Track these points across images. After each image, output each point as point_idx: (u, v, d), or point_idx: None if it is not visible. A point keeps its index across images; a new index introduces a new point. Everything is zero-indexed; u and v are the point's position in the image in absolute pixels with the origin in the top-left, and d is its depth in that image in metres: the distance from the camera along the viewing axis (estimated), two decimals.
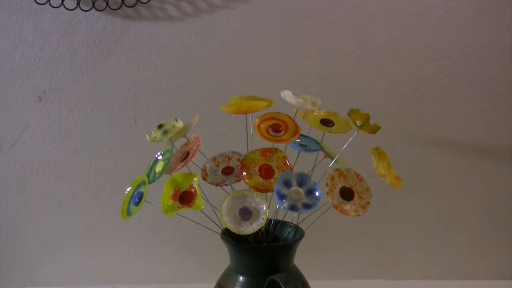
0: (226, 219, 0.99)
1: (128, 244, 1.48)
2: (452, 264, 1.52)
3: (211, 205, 1.07)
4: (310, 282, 1.14)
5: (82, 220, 1.46)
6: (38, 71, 1.37)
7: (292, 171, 1.02)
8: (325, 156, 1.14)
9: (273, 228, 1.14)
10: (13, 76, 1.36)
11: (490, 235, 1.52)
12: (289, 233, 1.14)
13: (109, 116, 1.40)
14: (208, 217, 1.09)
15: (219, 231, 1.11)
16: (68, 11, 1.35)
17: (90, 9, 1.35)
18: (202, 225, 1.10)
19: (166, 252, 1.49)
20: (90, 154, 1.41)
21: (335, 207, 0.99)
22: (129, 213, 1.04)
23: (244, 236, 1.06)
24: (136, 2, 1.36)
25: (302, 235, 1.10)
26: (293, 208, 0.97)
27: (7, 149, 1.39)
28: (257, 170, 1.02)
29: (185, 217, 1.11)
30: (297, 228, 1.13)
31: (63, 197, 1.44)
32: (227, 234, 1.09)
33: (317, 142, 1.12)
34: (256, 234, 1.10)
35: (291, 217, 1.14)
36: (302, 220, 1.12)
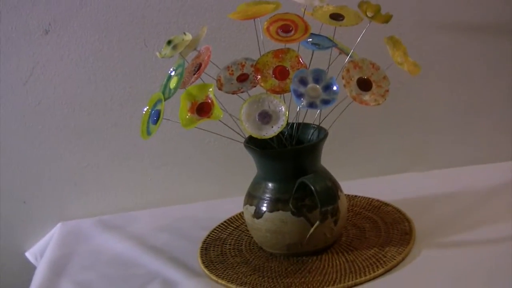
0: (247, 125, 0.98)
1: (154, 168, 1.48)
2: (478, 148, 1.50)
3: (230, 114, 1.05)
4: (340, 183, 1.14)
5: (105, 149, 1.45)
6: (41, 3, 1.34)
7: (307, 69, 1.00)
8: (340, 53, 1.13)
9: (296, 131, 1.14)
10: (16, 11, 1.33)
11: None
12: (312, 134, 1.14)
13: (118, 41, 1.37)
14: (230, 128, 1.08)
15: (242, 140, 1.11)
16: None
17: None
18: (225, 137, 1.09)
19: (192, 170, 1.49)
20: (105, 82, 1.40)
21: (354, 99, 0.98)
22: (148, 132, 1.04)
23: (268, 142, 1.06)
24: None
25: (325, 134, 1.10)
26: (311, 105, 0.96)
27: (21, 87, 1.38)
28: (271, 72, 1.02)
29: (207, 130, 1.10)
30: (320, 129, 1.13)
31: (83, 128, 1.43)
32: (250, 143, 1.09)
33: (329, 39, 1.10)
34: (279, 139, 1.10)
35: (312, 119, 1.13)
36: (324, 119, 1.11)
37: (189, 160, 1.47)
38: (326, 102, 0.96)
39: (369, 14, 1.07)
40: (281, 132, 1.09)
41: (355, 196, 1.33)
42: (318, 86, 0.97)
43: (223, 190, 1.48)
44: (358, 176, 1.47)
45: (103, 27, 1.36)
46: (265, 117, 0.98)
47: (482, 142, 1.50)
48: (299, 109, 0.98)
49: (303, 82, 0.97)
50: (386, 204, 1.28)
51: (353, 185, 1.31)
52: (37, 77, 1.38)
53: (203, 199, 1.49)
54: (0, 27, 1.34)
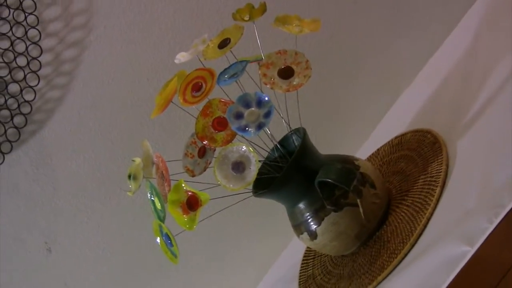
0: (231, 185, 0.99)
1: (211, 266, 1.50)
2: (435, 26, 1.49)
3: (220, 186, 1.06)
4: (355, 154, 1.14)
5: None
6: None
7: (232, 103, 1.01)
8: (258, 63, 1.13)
9: (282, 149, 1.14)
10: (10, 248, 1.35)
11: None
12: (294, 139, 1.14)
13: (102, 206, 1.40)
14: (229, 195, 1.08)
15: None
16: None
17: None
18: (238, 202, 1.09)
19: (246, 244, 1.51)
20: (118, 251, 1.43)
21: (288, 91, 0.99)
22: (174, 255, 1.05)
23: (269, 177, 1.06)
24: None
25: (304, 130, 1.09)
26: (260, 126, 0.96)
27: None
28: (212, 130, 1.02)
29: (221, 210, 1.11)
30: (295, 130, 1.13)
31: None
32: (257, 189, 1.09)
33: (239, 61, 1.10)
34: (276, 166, 1.10)
35: (282, 132, 1.13)
36: (289, 121, 1.11)
37: (236, 238, 1.49)
38: (267, 114, 0.96)
39: (246, 17, 1.07)
40: (274, 160, 1.09)
41: (377, 151, 1.32)
42: (252, 108, 0.98)
43: (283, 237, 1.47)
44: (364, 138, 1.47)
45: (96, 216, 1.40)
46: (239, 167, 0.99)
47: (435, 18, 1.49)
48: (252, 136, 0.98)
49: (238, 116, 0.97)
50: (404, 134, 1.27)
51: (368, 146, 1.30)
52: None
53: (276, 256, 1.49)
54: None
